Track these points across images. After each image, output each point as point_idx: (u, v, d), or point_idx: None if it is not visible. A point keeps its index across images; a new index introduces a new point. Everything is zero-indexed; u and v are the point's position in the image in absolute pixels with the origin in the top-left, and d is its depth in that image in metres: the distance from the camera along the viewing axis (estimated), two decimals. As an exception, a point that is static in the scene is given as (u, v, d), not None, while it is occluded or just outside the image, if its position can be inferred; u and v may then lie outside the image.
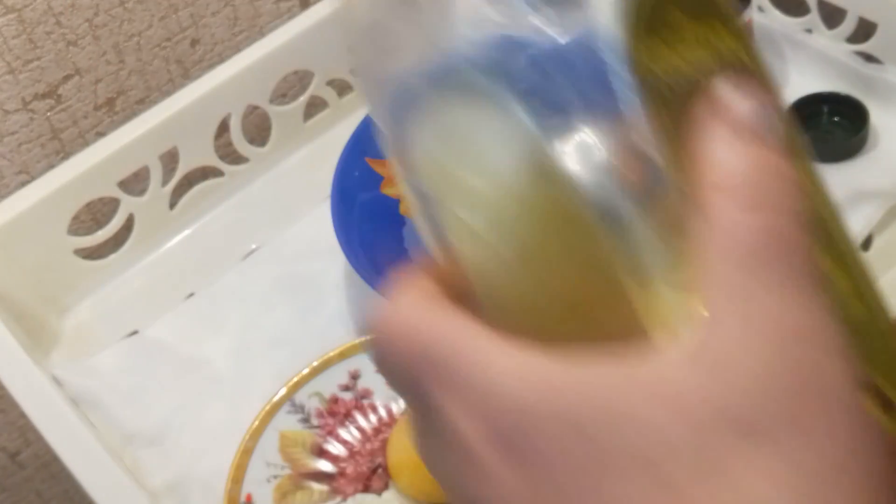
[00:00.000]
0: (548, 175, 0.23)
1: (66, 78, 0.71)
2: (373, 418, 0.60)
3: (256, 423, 0.59)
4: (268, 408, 0.59)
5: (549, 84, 0.23)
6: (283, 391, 0.60)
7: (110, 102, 0.74)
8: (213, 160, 0.72)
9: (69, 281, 0.69)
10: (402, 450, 0.57)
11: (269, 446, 0.58)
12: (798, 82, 0.71)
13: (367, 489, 0.58)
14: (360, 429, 0.60)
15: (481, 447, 0.21)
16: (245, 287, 0.68)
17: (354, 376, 0.61)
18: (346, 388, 0.61)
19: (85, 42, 0.71)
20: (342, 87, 0.77)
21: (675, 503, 0.20)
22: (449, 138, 0.25)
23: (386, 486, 0.58)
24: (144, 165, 0.69)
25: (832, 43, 0.71)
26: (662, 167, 0.22)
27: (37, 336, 0.66)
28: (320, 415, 0.60)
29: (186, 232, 0.73)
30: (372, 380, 0.61)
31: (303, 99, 0.75)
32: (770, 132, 0.22)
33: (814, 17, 0.71)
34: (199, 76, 0.72)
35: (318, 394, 0.60)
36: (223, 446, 0.59)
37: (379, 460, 0.58)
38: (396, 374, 0.23)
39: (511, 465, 0.21)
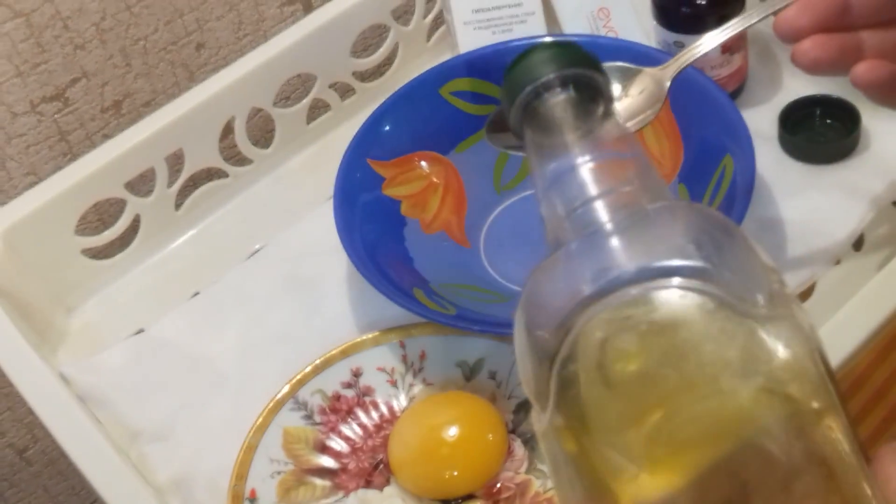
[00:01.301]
0: None
1: (74, 81, 0.72)
2: (374, 415, 0.60)
3: (260, 419, 0.59)
4: (271, 405, 0.60)
5: None
6: (286, 388, 0.60)
7: (117, 105, 0.75)
8: (218, 162, 0.73)
9: (76, 280, 0.70)
10: (404, 446, 0.58)
11: (272, 443, 0.59)
12: (791, 85, 0.71)
13: (368, 485, 0.58)
14: (361, 425, 0.60)
15: None
16: (249, 286, 0.68)
17: (356, 374, 0.61)
18: (349, 386, 0.61)
19: (92, 46, 0.71)
20: (344, 90, 0.77)
21: None
22: None
23: (387, 482, 0.58)
24: (150, 167, 0.70)
25: (826, 46, 0.71)
26: None
27: (44, 334, 0.67)
28: (323, 412, 0.60)
29: (192, 232, 0.73)
30: (373, 377, 0.61)
31: (306, 102, 0.75)
32: None
33: (808, 20, 0.71)
34: (204, 79, 0.72)
35: (320, 391, 0.61)
36: (227, 443, 0.59)
37: (381, 456, 0.59)
38: None
39: None
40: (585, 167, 0.37)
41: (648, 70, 0.50)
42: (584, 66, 0.41)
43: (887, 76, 0.46)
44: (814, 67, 0.46)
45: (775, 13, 0.47)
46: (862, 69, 0.46)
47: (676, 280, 0.32)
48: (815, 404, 0.31)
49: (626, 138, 0.40)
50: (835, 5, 0.47)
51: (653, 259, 0.33)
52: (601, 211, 0.35)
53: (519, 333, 0.35)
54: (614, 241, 0.34)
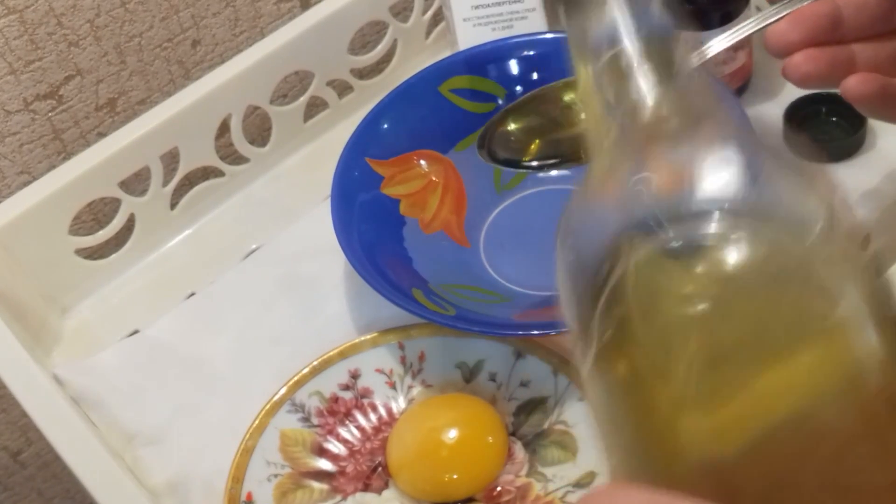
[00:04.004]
0: None
1: (68, 79, 0.71)
2: (373, 417, 0.60)
3: (257, 422, 0.59)
4: (268, 407, 0.60)
5: None
6: (283, 390, 0.60)
7: (111, 103, 0.75)
8: (214, 160, 0.72)
9: (70, 280, 0.69)
10: (402, 449, 0.58)
11: (269, 445, 0.59)
12: (796, 83, 0.71)
13: (367, 488, 0.58)
14: (359, 428, 0.60)
15: None
16: (245, 287, 0.68)
17: (354, 375, 0.61)
18: (346, 388, 0.61)
19: (86, 43, 0.71)
20: (342, 88, 0.77)
21: None
22: None
23: (386, 485, 0.58)
24: (145, 165, 0.69)
25: (830, 43, 0.71)
26: None
27: (38, 335, 0.66)
28: (320, 414, 0.60)
29: (187, 232, 0.73)
30: (372, 379, 0.61)
31: (303, 99, 0.75)
32: None
33: (812, 17, 0.71)
34: (199, 77, 0.72)
35: (318, 393, 0.60)
36: (224, 445, 0.59)
37: (379, 459, 0.59)
38: None
39: None
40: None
41: None
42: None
43: (878, 89, 0.47)
44: (805, 81, 0.47)
45: (769, 25, 0.48)
46: (852, 82, 0.47)
47: (733, 219, 0.31)
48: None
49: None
50: (826, 19, 0.47)
51: (713, 199, 0.31)
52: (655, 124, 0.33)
53: (564, 261, 0.33)
54: (677, 173, 0.32)
